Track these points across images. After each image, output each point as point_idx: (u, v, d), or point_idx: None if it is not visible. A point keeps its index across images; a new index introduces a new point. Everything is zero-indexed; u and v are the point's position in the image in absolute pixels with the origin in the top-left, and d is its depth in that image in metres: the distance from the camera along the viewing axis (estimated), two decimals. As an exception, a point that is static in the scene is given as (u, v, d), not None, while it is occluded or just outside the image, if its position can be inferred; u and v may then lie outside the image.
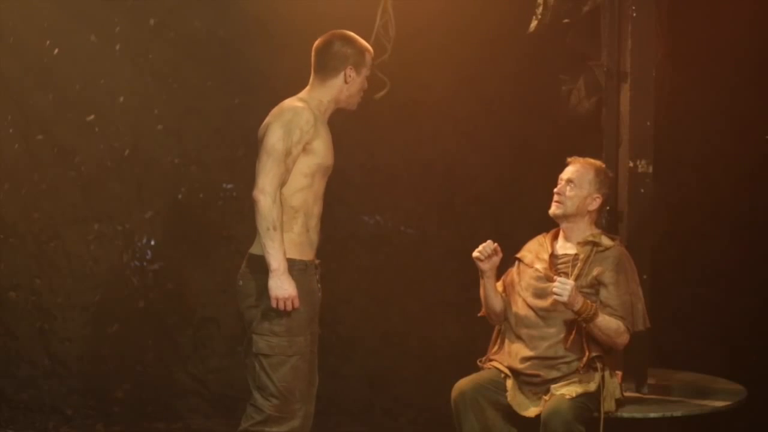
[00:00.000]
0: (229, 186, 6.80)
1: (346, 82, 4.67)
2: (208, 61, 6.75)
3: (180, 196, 6.82)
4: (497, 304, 5.13)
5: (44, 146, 6.69)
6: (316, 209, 4.65)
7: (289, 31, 6.47)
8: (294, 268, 4.52)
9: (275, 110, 4.63)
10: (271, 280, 4.45)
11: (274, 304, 4.46)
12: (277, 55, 6.57)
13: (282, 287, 4.45)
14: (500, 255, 5.04)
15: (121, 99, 6.74)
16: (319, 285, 4.72)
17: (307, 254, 4.63)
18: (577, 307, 4.80)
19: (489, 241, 5.02)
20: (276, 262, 4.44)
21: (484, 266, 5.04)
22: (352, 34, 4.74)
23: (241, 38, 6.68)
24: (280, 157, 4.48)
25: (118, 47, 6.70)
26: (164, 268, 6.79)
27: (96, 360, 6.71)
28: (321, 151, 4.58)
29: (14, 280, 6.68)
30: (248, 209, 6.66)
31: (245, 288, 4.60)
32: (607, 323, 4.89)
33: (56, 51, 6.63)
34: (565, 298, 4.76)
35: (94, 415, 6.67)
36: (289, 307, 4.46)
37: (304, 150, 4.54)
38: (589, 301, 4.85)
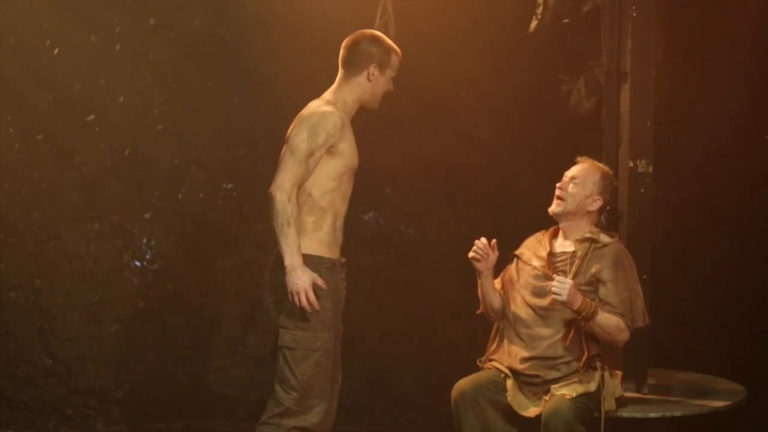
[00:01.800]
0: (229, 186, 6.79)
1: (369, 80, 4.71)
2: (208, 61, 6.74)
3: (180, 196, 6.81)
4: (495, 301, 5.13)
5: (44, 146, 6.68)
6: (343, 209, 4.70)
7: (289, 31, 6.48)
8: (323, 265, 4.56)
9: (304, 112, 4.66)
10: (287, 275, 4.45)
11: (290, 299, 4.47)
12: (277, 55, 6.57)
13: (296, 282, 4.44)
14: (497, 253, 5.02)
15: (121, 99, 6.73)
16: (344, 283, 4.75)
17: (335, 252, 4.67)
18: (576, 305, 4.79)
19: (483, 239, 5.02)
20: (290, 258, 4.45)
21: (481, 266, 5.04)
22: (382, 35, 4.79)
23: (241, 38, 6.67)
24: (302, 157, 4.52)
25: (118, 47, 6.69)
26: (164, 268, 6.78)
27: (96, 360, 6.70)
28: (347, 152, 4.65)
29: (14, 280, 6.67)
30: (248, 209, 6.74)
31: (273, 282, 4.62)
32: (607, 321, 4.88)
33: (56, 51, 6.62)
34: (563, 297, 4.75)
35: (94, 415, 6.66)
36: (304, 302, 4.45)
37: (330, 153, 4.59)
38: (588, 299, 4.84)
